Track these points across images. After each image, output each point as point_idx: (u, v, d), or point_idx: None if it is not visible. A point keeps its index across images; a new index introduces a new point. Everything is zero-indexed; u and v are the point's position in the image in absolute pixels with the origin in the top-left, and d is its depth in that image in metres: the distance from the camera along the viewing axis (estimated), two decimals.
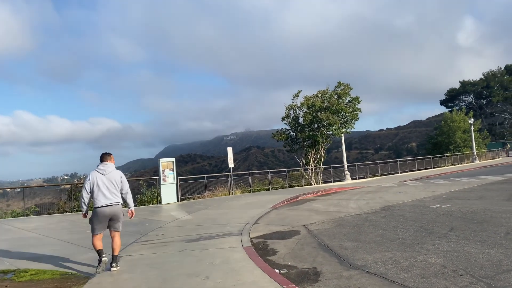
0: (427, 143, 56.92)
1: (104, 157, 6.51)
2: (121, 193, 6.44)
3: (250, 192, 20.87)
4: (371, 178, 27.31)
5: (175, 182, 17.28)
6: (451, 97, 77.39)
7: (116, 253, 6.36)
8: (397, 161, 32.76)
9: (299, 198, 16.60)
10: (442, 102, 79.02)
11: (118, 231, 6.44)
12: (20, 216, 15.27)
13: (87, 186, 6.23)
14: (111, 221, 6.32)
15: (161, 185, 16.89)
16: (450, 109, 62.67)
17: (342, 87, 24.97)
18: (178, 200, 17.41)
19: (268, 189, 21.89)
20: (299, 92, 24.96)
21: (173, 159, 17.47)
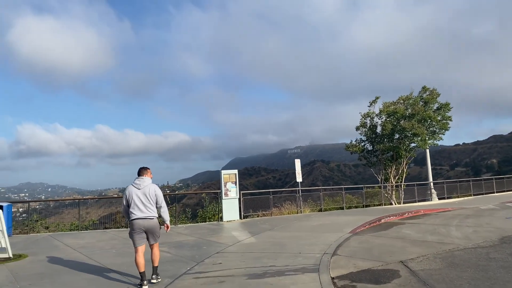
0: None
1: (141, 172, 6.63)
2: (157, 207, 6.55)
3: (320, 210, 18.56)
4: (461, 198, 23.56)
5: (238, 197, 15.51)
6: None
7: (155, 264, 6.50)
8: (492, 178, 28.23)
9: (382, 221, 13.99)
10: None
11: (156, 242, 6.54)
12: (76, 230, 14.39)
13: (124, 201, 6.47)
14: (147, 234, 6.42)
15: (222, 200, 15.22)
16: None
17: (428, 92, 21.82)
18: (240, 217, 15.61)
19: (341, 208, 19.40)
20: (377, 98, 22.25)
21: (235, 171, 15.75)
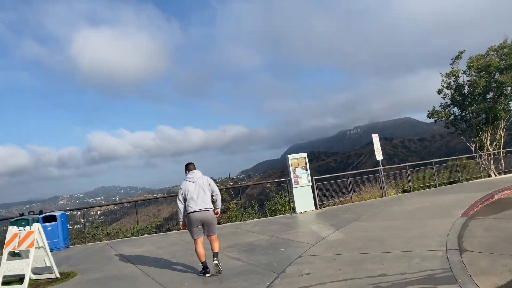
0: None
1: (190, 166, 6.78)
2: (212, 196, 6.61)
3: (404, 191, 15.91)
4: None
5: (310, 183, 13.39)
6: None
7: (216, 250, 6.46)
8: None
9: (495, 197, 11.23)
10: None
11: (214, 235, 6.54)
12: (134, 236, 13.15)
13: (180, 196, 6.52)
14: (204, 226, 6.47)
15: (293, 189, 13.19)
16: None
17: None
18: (316, 207, 13.49)
19: (428, 187, 16.58)
20: (461, 53, 18.79)
21: (304, 154, 13.61)
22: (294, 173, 13.22)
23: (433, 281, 4.91)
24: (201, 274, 6.35)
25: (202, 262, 6.36)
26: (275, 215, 13.77)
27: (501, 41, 18.48)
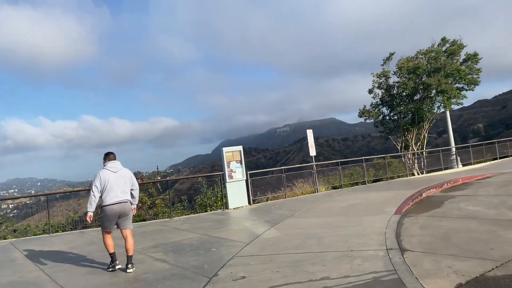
0: None
1: (110, 156, 6.35)
2: (131, 191, 6.28)
3: (335, 188, 16.01)
4: (486, 163, 21.16)
5: (245, 178, 12.83)
6: None
7: (130, 253, 6.05)
8: (506, 140, 25.37)
9: (424, 195, 11.53)
10: None
11: (129, 229, 6.20)
12: (45, 233, 11.63)
13: (98, 185, 5.99)
14: (121, 219, 6.11)
15: (226, 183, 12.52)
16: None
17: (448, 44, 19.08)
18: (249, 203, 12.96)
19: (356, 184, 16.83)
20: (392, 54, 19.45)
21: (240, 148, 13.01)
22: (228, 166, 12.56)
23: (380, 285, 4.54)
24: (111, 268, 6.04)
25: (111, 254, 6.06)
26: (206, 211, 13.04)
27: (429, 45, 19.49)
